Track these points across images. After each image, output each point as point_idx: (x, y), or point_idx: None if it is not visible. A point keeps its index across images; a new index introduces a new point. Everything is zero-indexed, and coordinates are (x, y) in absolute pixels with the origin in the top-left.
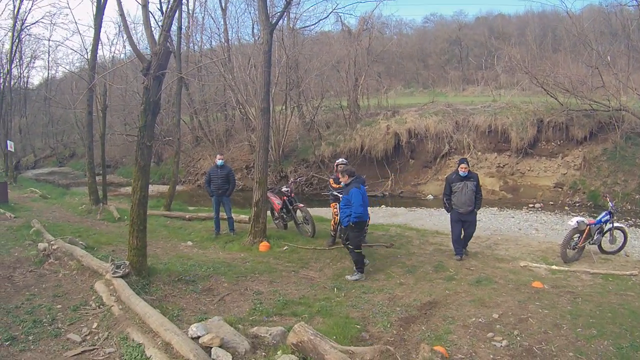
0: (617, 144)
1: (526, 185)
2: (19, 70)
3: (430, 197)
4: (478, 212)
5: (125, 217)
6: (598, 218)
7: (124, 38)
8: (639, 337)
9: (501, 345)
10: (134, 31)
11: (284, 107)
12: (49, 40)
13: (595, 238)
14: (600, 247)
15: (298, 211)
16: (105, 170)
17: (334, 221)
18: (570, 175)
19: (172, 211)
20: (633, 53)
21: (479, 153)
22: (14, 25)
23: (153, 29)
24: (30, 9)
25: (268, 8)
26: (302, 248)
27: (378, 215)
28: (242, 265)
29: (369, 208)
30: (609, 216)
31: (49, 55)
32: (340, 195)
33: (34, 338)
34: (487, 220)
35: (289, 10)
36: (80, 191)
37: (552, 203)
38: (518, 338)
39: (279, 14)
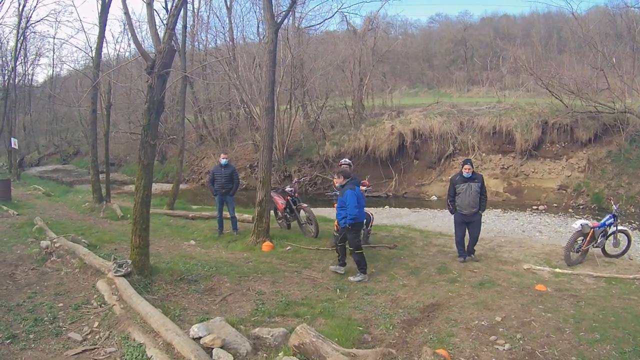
0: (622, 146)
1: (530, 187)
2: (24, 68)
3: (434, 198)
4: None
5: (128, 215)
6: (602, 221)
7: (129, 36)
8: None
9: (504, 349)
10: (138, 29)
11: (288, 107)
12: (54, 37)
13: (599, 241)
14: (603, 250)
15: (301, 211)
16: (109, 168)
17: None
18: (574, 178)
19: (176, 210)
20: (638, 55)
21: (483, 154)
22: (19, 23)
23: (158, 27)
24: (35, 7)
25: (273, 7)
26: (305, 248)
27: (382, 215)
28: (244, 265)
29: (373, 209)
30: (613, 219)
31: (53, 53)
32: None
33: (35, 336)
34: (491, 222)
35: (294, 9)
36: (84, 189)
37: (556, 205)
38: (521, 341)
39: (284, 13)
